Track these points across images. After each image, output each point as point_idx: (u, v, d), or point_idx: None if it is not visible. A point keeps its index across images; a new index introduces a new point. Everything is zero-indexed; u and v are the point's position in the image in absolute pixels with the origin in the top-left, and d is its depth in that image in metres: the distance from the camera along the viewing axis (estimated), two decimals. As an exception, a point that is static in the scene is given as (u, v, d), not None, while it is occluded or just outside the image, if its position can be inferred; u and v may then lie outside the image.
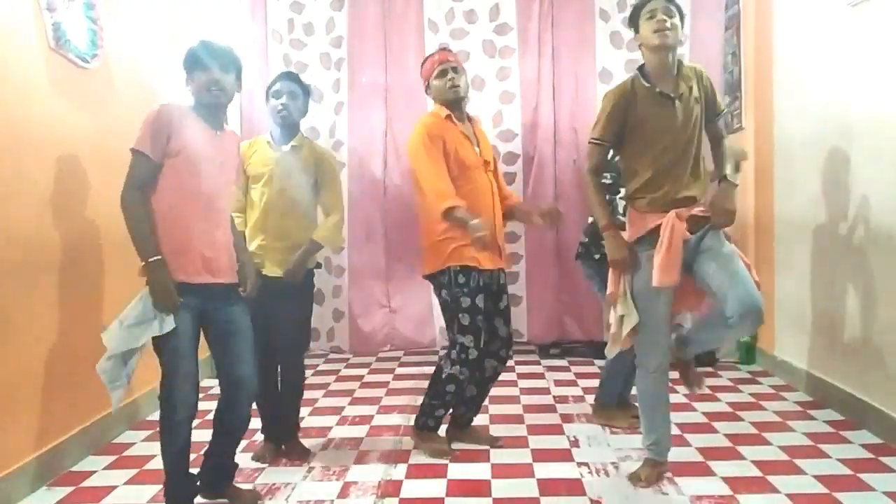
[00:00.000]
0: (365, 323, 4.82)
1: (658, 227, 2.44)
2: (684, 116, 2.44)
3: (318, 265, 3.07)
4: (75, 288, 2.95)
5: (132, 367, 2.30)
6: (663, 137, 2.44)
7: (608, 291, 2.58)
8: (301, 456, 2.94)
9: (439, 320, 4.75)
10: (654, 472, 2.59)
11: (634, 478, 2.60)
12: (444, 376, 2.85)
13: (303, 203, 2.90)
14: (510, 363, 4.49)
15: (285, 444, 2.99)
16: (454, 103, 2.90)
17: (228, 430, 2.50)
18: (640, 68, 2.51)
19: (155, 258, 2.22)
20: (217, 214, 2.39)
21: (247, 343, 2.43)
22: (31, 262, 2.66)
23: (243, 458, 2.90)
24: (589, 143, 2.57)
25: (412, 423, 3.04)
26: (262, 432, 3.03)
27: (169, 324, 2.24)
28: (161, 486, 2.65)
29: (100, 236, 3.16)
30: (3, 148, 2.55)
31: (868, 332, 3.10)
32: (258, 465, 2.87)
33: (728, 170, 2.50)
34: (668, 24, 2.37)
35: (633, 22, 2.51)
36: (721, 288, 2.35)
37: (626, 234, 2.57)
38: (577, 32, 4.63)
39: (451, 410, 3.00)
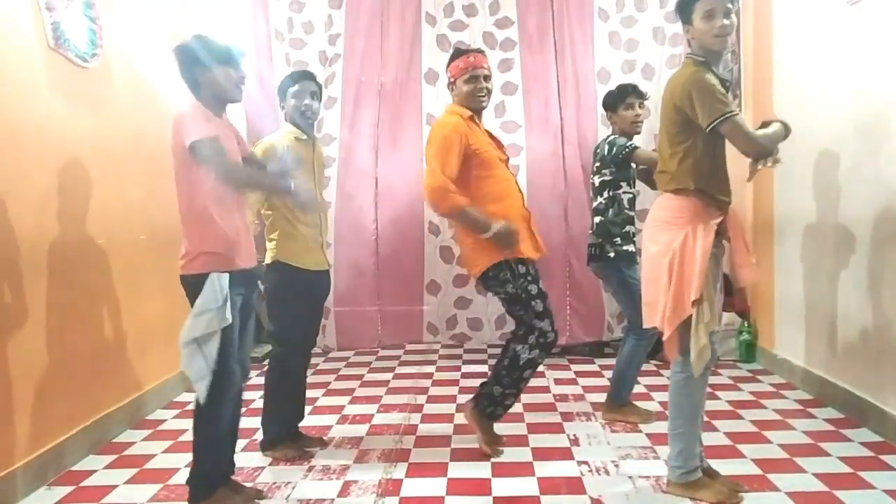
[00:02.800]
0: (352, 319, 4.81)
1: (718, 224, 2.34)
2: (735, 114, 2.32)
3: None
4: (75, 288, 2.95)
5: (212, 355, 2.29)
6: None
7: (693, 297, 2.29)
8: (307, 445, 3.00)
9: (428, 316, 4.75)
10: (711, 490, 2.41)
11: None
12: (522, 363, 2.80)
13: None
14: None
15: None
16: (478, 111, 2.92)
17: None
18: (705, 62, 2.34)
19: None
20: (239, 198, 2.49)
21: (251, 330, 2.55)
22: (30, 261, 2.66)
23: (244, 458, 2.91)
24: (724, 119, 2.26)
25: (474, 406, 2.91)
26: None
27: (228, 316, 2.30)
28: (161, 486, 2.66)
29: (100, 236, 3.15)
30: (3, 147, 2.54)
31: (868, 331, 3.10)
32: (260, 464, 2.86)
33: None
34: (729, 29, 2.30)
35: (685, 12, 2.35)
36: None
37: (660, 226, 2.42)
38: (576, 31, 4.63)
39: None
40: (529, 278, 2.82)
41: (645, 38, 4.59)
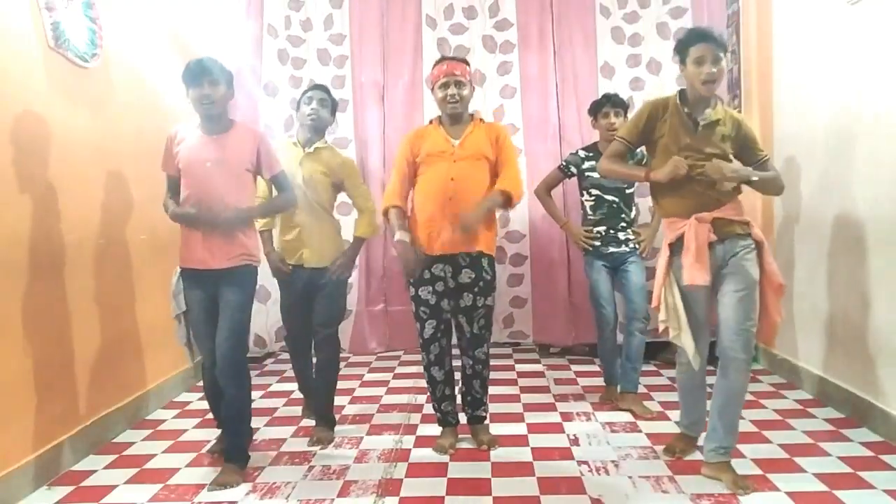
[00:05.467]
0: (361, 321, 4.80)
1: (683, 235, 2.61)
2: (704, 147, 2.58)
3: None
4: (75, 288, 2.95)
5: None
6: (673, 151, 2.61)
7: (653, 304, 2.73)
8: (323, 440, 3.12)
9: None
10: (687, 445, 2.85)
11: (668, 450, 2.86)
12: (486, 359, 3.05)
13: (320, 201, 3.16)
14: (509, 362, 4.50)
15: (317, 421, 3.24)
16: (448, 115, 2.99)
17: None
18: (683, 93, 2.67)
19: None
20: (208, 205, 2.72)
21: (225, 319, 2.76)
22: (30, 261, 2.66)
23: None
24: (615, 139, 2.81)
25: (479, 413, 3.07)
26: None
27: (181, 305, 2.88)
28: (161, 486, 2.67)
29: (100, 236, 3.16)
30: (3, 147, 2.54)
31: (868, 331, 3.10)
32: (260, 464, 2.86)
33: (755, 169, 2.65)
34: (715, 77, 2.54)
35: (681, 55, 2.63)
36: (720, 319, 2.60)
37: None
38: (577, 28, 4.62)
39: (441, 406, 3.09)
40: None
41: (649, 34, 4.58)
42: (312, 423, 3.28)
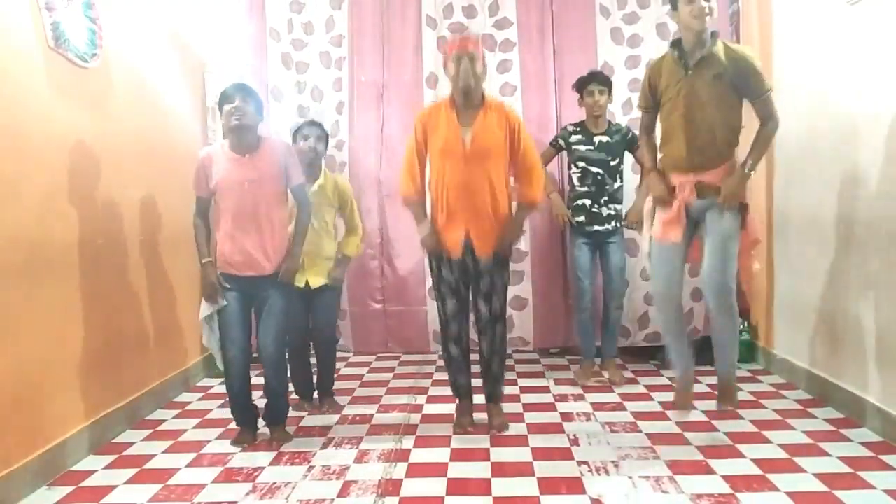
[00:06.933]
0: (361, 320, 4.80)
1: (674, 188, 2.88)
2: (697, 87, 2.75)
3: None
4: (75, 288, 2.95)
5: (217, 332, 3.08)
6: (675, 101, 2.82)
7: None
8: (332, 407, 3.61)
9: (434, 324, 4.72)
10: (677, 397, 3.11)
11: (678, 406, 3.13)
12: (504, 336, 3.19)
13: (326, 228, 3.53)
14: (510, 362, 4.50)
15: (323, 398, 3.64)
16: (461, 91, 3.00)
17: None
18: (677, 42, 2.85)
19: (205, 260, 3.04)
20: (258, 220, 2.97)
21: (272, 321, 3.04)
22: (30, 261, 2.66)
23: (244, 458, 2.92)
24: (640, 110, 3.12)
25: (494, 399, 3.24)
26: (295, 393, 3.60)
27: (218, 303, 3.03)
28: (161, 486, 2.67)
29: (100, 236, 3.15)
30: (3, 147, 2.54)
31: (868, 330, 3.09)
32: (260, 464, 2.87)
33: (749, 160, 2.80)
34: (706, 10, 2.68)
35: (671, 1, 2.81)
36: (705, 258, 2.86)
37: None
38: (577, 29, 4.62)
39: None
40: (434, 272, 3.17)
41: (648, 35, 4.58)
42: (304, 413, 3.55)
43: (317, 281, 3.47)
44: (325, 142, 3.56)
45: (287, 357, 3.35)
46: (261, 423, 3.18)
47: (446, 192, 3.04)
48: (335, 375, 3.77)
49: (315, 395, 3.67)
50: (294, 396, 3.54)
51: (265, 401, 3.17)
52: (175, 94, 3.98)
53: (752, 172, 2.81)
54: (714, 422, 3.21)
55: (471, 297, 3.18)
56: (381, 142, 4.72)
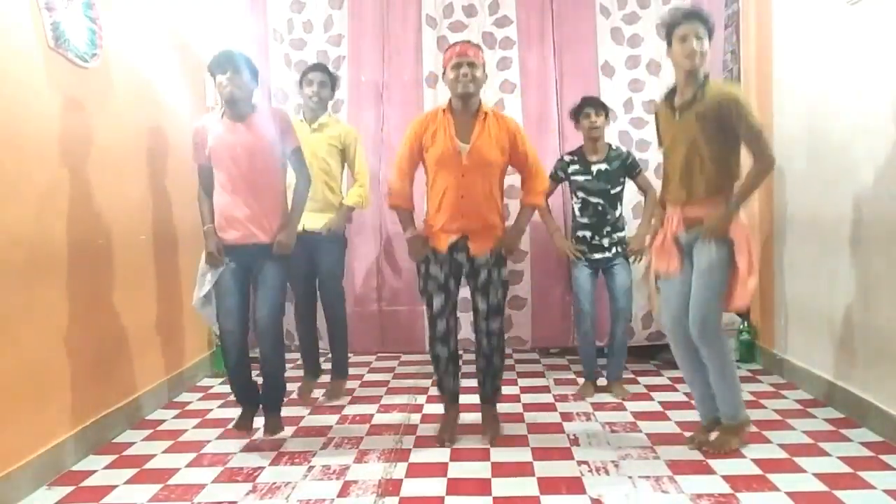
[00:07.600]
0: (361, 320, 4.79)
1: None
2: (686, 127, 2.75)
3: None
4: (75, 288, 2.95)
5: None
6: (670, 144, 2.86)
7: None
8: (337, 396, 3.72)
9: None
10: (705, 434, 2.95)
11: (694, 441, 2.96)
12: (502, 332, 3.13)
13: (326, 170, 3.58)
14: (510, 362, 4.50)
15: (336, 379, 3.79)
16: (460, 97, 2.99)
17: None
18: (671, 91, 2.87)
19: (206, 226, 3.01)
20: (251, 187, 2.94)
21: (268, 293, 3.00)
22: (30, 261, 2.66)
23: (244, 458, 2.92)
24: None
25: (491, 401, 3.20)
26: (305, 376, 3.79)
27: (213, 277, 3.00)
28: (161, 486, 2.67)
29: (100, 236, 3.15)
30: (3, 147, 2.54)
31: (868, 330, 3.10)
32: (260, 464, 2.86)
33: (735, 197, 2.76)
34: (697, 52, 2.69)
35: (668, 38, 2.80)
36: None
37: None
38: (577, 28, 4.62)
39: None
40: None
41: (649, 34, 4.58)
42: (307, 412, 3.45)
43: (312, 224, 3.52)
44: (329, 87, 3.67)
45: (296, 317, 3.53)
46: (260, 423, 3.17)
47: (443, 198, 3.01)
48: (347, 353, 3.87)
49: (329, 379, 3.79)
50: (294, 397, 3.53)
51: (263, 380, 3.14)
52: (175, 94, 3.98)
53: (739, 209, 2.73)
54: (714, 422, 3.21)
55: (469, 296, 3.15)
56: (380, 141, 4.72)
